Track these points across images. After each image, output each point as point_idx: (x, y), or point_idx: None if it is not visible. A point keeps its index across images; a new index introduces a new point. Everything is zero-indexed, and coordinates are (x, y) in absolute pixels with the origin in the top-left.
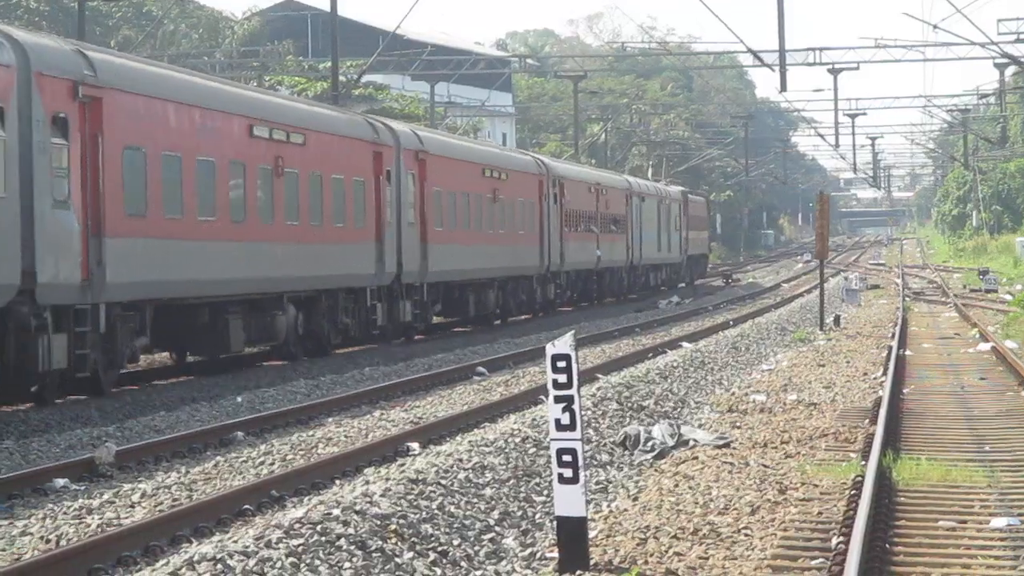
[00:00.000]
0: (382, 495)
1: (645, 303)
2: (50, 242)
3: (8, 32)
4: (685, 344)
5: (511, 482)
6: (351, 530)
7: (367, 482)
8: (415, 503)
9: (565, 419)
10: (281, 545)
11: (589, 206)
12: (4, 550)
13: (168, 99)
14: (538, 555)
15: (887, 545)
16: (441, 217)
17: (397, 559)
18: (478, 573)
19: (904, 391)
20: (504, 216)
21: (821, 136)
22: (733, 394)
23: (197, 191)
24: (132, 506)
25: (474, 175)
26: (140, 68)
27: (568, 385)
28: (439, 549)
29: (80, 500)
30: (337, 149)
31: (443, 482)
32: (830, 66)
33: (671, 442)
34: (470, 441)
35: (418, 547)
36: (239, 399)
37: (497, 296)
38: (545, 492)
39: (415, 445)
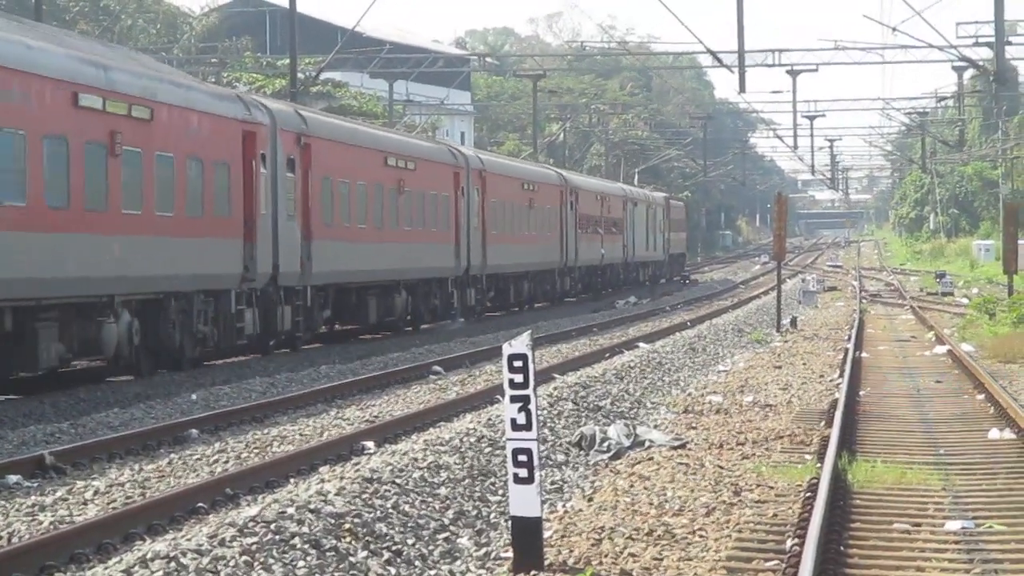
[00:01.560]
0: (337, 494)
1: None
2: (285, 245)
3: (264, 102)
4: (642, 344)
5: (466, 482)
6: (305, 529)
7: (322, 481)
8: (370, 502)
9: (521, 419)
10: (235, 543)
11: (596, 211)
12: None
13: (341, 141)
14: (492, 555)
15: (842, 548)
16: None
17: (351, 558)
18: (432, 573)
19: (860, 393)
20: (535, 221)
21: (779, 137)
22: (689, 395)
23: (357, 207)
24: (85, 503)
25: (515, 188)
26: (329, 121)
27: (524, 385)
28: (393, 548)
29: (33, 497)
30: (436, 173)
31: (398, 481)
32: (789, 68)
33: (627, 443)
34: (425, 440)
35: (372, 546)
36: (194, 396)
37: (529, 288)
38: (500, 492)
39: (370, 444)
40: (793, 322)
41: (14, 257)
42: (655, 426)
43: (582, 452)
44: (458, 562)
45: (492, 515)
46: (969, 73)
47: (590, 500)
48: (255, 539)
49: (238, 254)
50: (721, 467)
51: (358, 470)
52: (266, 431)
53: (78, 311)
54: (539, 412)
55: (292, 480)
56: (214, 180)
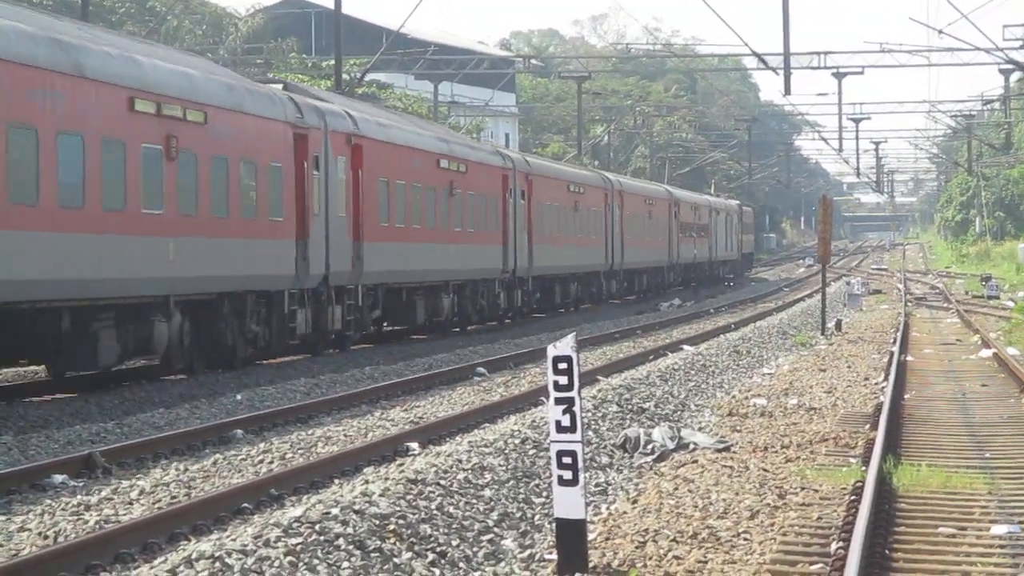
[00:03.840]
0: (381, 495)
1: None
2: (336, 246)
3: (316, 105)
4: (686, 347)
5: (510, 483)
6: (350, 530)
7: (366, 482)
8: (414, 503)
9: (565, 421)
10: (280, 544)
11: (692, 220)
12: (2, 546)
13: (392, 143)
14: (537, 557)
15: (887, 551)
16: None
17: (395, 559)
18: (476, 574)
19: (905, 397)
20: (581, 223)
21: (825, 140)
22: (734, 398)
23: (409, 208)
24: (130, 503)
25: (560, 189)
26: (379, 122)
27: (569, 387)
28: (438, 550)
29: (78, 496)
30: (485, 175)
31: (442, 482)
32: (835, 70)
33: (671, 445)
34: (470, 442)
35: (416, 547)
36: (239, 397)
37: (576, 289)
38: (544, 494)
39: (415, 445)
40: (838, 325)
41: (70, 259)
42: (699, 428)
43: (626, 454)
44: (502, 564)
45: (536, 517)
46: (1016, 76)
47: (634, 502)
48: (300, 540)
49: (291, 255)
50: (765, 470)
51: (402, 471)
52: (311, 432)
53: (135, 311)
54: (583, 414)
55: (336, 481)
56: (268, 182)
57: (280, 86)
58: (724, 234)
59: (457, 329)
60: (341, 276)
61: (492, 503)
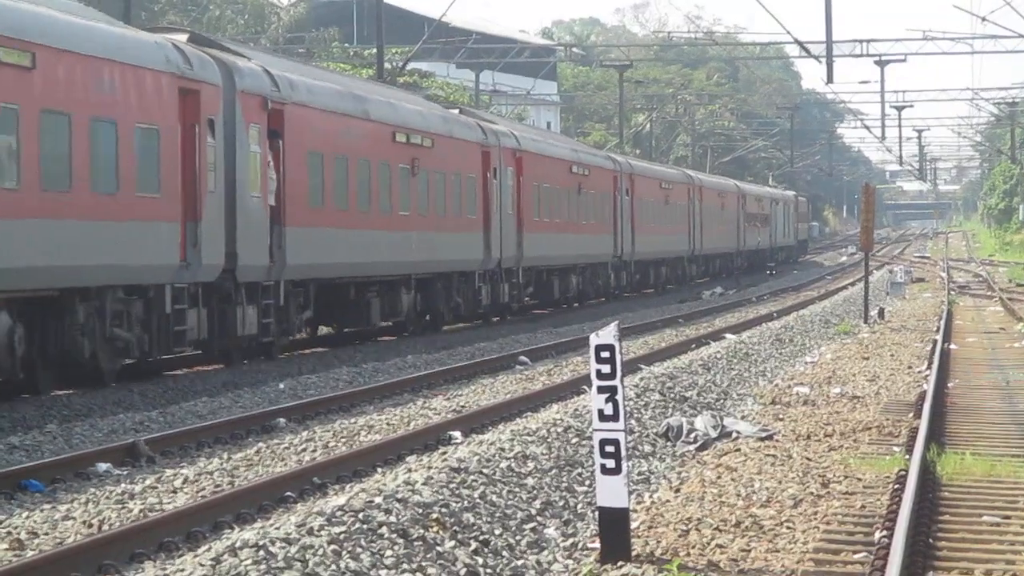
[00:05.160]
0: (424, 483)
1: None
2: (506, 236)
3: (494, 128)
4: (728, 335)
5: (553, 472)
6: (393, 518)
7: (409, 470)
8: (457, 492)
9: (608, 409)
10: (323, 532)
11: (756, 210)
12: (47, 534)
13: (541, 153)
14: (580, 545)
15: (930, 540)
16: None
17: (438, 548)
18: (519, 563)
19: (948, 385)
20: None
21: (867, 128)
22: (776, 386)
23: (552, 204)
24: (174, 491)
25: (654, 187)
26: (533, 138)
27: (612, 376)
28: (481, 538)
29: (122, 485)
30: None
31: (485, 471)
32: (877, 58)
33: (714, 434)
34: (512, 430)
35: (460, 536)
36: (281, 385)
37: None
38: (587, 482)
39: (457, 434)
40: (881, 313)
41: (363, 247)
42: (742, 417)
43: (669, 443)
44: (545, 552)
45: (579, 506)
46: None
47: (677, 491)
48: (343, 528)
49: (480, 244)
50: (808, 458)
51: (445, 460)
52: (353, 420)
53: (389, 286)
54: (626, 403)
55: (379, 470)
56: (468, 189)
57: (468, 116)
58: (783, 222)
59: (577, 304)
60: (509, 260)
61: (535, 492)
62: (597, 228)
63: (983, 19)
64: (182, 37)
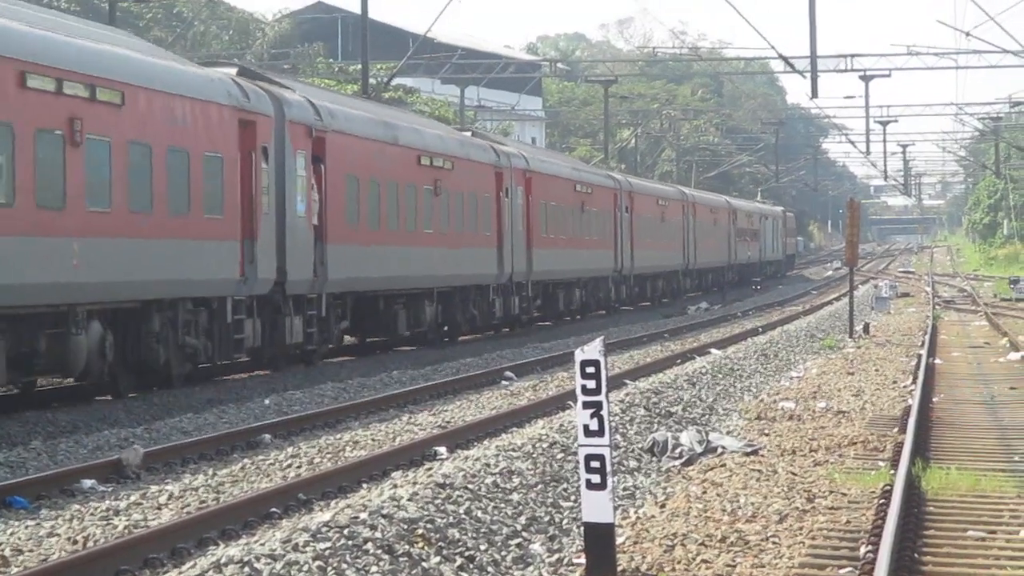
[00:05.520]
0: (409, 499)
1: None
2: (517, 250)
3: (507, 151)
4: (714, 350)
5: (538, 487)
6: (378, 534)
7: (394, 486)
8: (442, 507)
9: (593, 425)
10: (308, 548)
11: (747, 226)
12: (32, 551)
13: (548, 174)
14: (565, 561)
15: (916, 555)
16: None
17: (424, 564)
18: None
19: (933, 400)
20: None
21: (852, 143)
22: (762, 401)
23: (556, 221)
24: (159, 508)
25: (651, 203)
26: (541, 159)
27: (597, 391)
28: (466, 554)
29: (107, 501)
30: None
31: (470, 487)
32: (862, 73)
33: (699, 449)
34: (498, 446)
35: (445, 552)
36: (267, 401)
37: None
38: (572, 498)
39: (443, 449)
40: (866, 328)
41: (393, 263)
42: (727, 432)
43: (654, 458)
44: (531, 568)
45: (564, 521)
46: None
47: (662, 506)
48: (328, 544)
49: (494, 259)
50: (794, 473)
51: (431, 475)
52: (339, 436)
53: (415, 298)
54: (611, 418)
55: (365, 485)
56: (483, 209)
57: (481, 139)
58: (771, 237)
59: (579, 317)
60: (520, 274)
61: (520, 507)
62: (599, 244)
63: (967, 34)
64: (232, 70)
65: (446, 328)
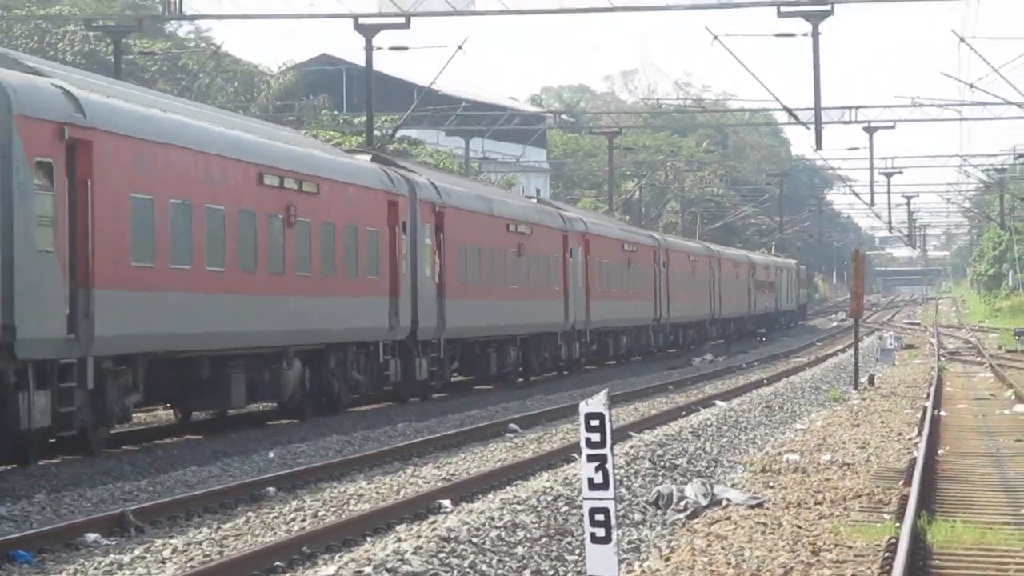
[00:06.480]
0: (414, 552)
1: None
2: (576, 303)
3: (571, 216)
4: (719, 402)
5: (543, 541)
6: None
7: (399, 539)
8: (447, 561)
9: (598, 478)
10: None
11: (764, 278)
12: None
13: (601, 235)
14: None
15: None
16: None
17: None
18: None
19: (939, 452)
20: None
21: (856, 194)
22: (767, 454)
23: (609, 277)
24: (163, 562)
25: (683, 258)
26: (595, 222)
27: (601, 444)
28: None
29: (111, 555)
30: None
31: (475, 540)
32: (866, 124)
33: (704, 501)
34: (502, 499)
35: None
36: (271, 454)
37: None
38: (577, 551)
39: (447, 502)
40: (871, 380)
41: (486, 314)
42: (732, 485)
43: (659, 511)
44: None
45: (569, 575)
46: None
47: (667, 560)
48: None
49: (560, 308)
50: (799, 526)
51: (435, 529)
52: (343, 489)
53: (499, 344)
54: (616, 471)
55: (369, 539)
56: (552, 266)
57: (547, 205)
58: (786, 288)
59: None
60: (579, 323)
61: (525, 561)
62: (642, 296)
63: (971, 86)
64: (366, 157)
65: (520, 369)
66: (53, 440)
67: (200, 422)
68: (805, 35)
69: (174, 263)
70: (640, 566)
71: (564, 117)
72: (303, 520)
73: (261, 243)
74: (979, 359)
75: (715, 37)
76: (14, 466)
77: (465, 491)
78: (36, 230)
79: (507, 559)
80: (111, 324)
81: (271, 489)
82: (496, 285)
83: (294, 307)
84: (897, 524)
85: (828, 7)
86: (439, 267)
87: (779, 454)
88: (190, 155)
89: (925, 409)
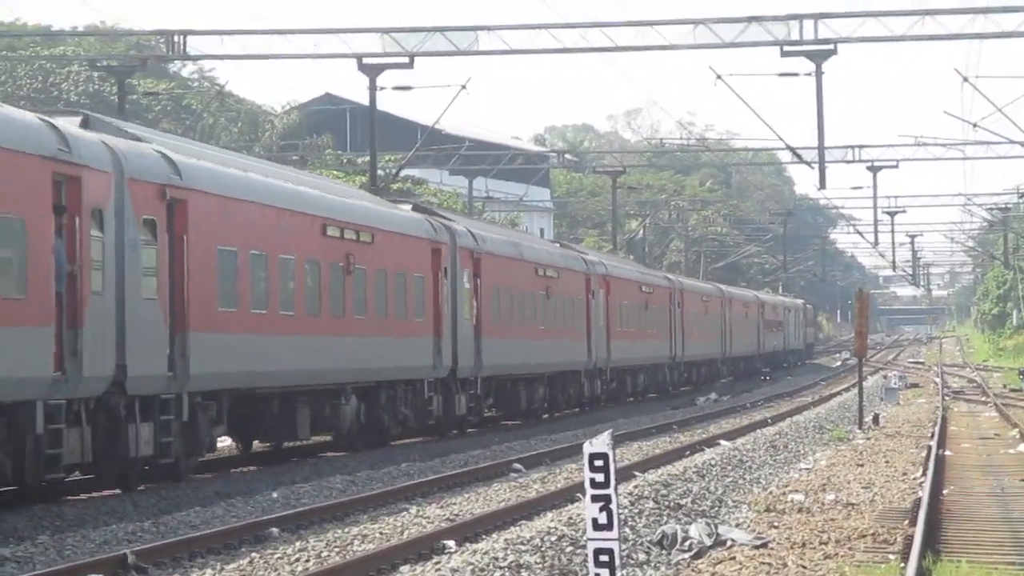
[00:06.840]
0: None
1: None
2: (599, 341)
3: (591, 259)
4: (723, 442)
5: None
6: None
7: None
8: None
9: (602, 519)
10: None
11: (773, 317)
12: None
13: (622, 277)
14: None
15: None
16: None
17: None
18: None
19: (944, 492)
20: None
21: (860, 233)
22: (771, 493)
23: (629, 317)
24: None
25: (697, 300)
26: (615, 264)
27: (605, 484)
28: None
29: None
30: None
31: None
32: (869, 163)
33: (708, 541)
34: (506, 539)
35: None
36: (275, 495)
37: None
38: None
39: (451, 543)
40: (875, 419)
41: (516, 351)
42: (737, 525)
43: (663, 551)
44: None
45: None
46: None
47: None
48: None
49: (583, 345)
50: (804, 566)
51: (439, 569)
52: (347, 529)
53: (527, 381)
54: (620, 510)
55: None
56: (575, 308)
57: (571, 250)
58: (794, 328)
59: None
60: (601, 361)
61: None
62: (658, 335)
63: (975, 125)
64: (407, 206)
65: (546, 404)
66: (147, 468)
67: (259, 453)
68: (808, 75)
69: (254, 308)
70: None
71: (568, 156)
72: (307, 561)
73: (324, 289)
74: (983, 398)
75: (718, 76)
76: (118, 491)
77: (469, 531)
78: (143, 280)
79: None
80: (203, 363)
81: (275, 529)
82: (527, 326)
83: (352, 347)
84: (902, 564)
85: (831, 47)
86: (476, 309)
87: (783, 494)
88: (266, 210)
89: (930, 448)
